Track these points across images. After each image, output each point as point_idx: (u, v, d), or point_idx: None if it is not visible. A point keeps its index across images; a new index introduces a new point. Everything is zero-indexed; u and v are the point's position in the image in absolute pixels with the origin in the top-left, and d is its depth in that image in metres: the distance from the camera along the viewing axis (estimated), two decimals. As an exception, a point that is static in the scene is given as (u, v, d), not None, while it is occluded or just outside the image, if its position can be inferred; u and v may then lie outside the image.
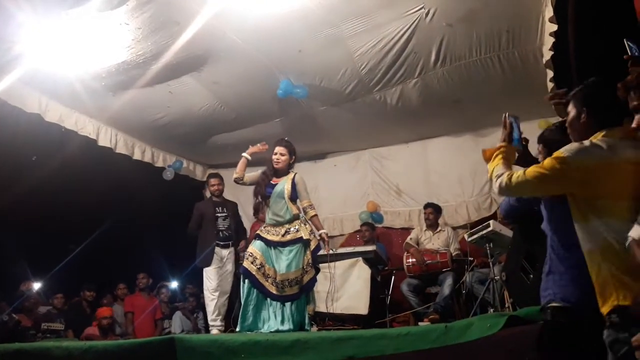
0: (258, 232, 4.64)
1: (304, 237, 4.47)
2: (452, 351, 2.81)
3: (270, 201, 4.57)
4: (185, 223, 6.02)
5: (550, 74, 4.53)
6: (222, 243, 5.84)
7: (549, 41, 4.28)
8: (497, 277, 4.63)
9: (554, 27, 4.12)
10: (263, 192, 4.59)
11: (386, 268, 6.39)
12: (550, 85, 4.62)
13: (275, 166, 4.62)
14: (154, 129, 6.59)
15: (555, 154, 1.97)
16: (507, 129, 2.31)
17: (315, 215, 4.60)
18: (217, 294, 5.69)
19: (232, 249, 5.92)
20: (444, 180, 7.04)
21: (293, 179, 4.60)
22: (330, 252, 5.57)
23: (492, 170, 2.15)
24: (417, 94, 5.74)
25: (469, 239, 5.07)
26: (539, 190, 2.05)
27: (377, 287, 5.87)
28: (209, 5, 4.24)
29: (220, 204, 6.04)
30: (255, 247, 4.51)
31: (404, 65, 5.23)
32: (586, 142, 1.96)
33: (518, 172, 2.03)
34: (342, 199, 7.62)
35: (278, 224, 4.54)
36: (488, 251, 4.82)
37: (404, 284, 5.77)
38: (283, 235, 4.49)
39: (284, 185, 4.56)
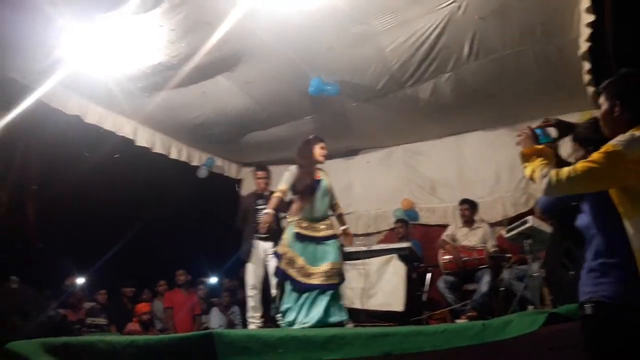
0: (296, 230, 4.53)
1: (336, 234, 4.62)
2: (490, 349, 2.79)
3: (316, 196, 4.56)
4: (220, 219, 6.06)
5: (587, 65, 4.42)
6: (263, 236, 5.64)
7: (585, 32, 4.17)
8: (536, 274, 4.55)
9: (591, 18, 4.00)
10: (313, 185, 4.56)
11: (421, 265, 6.34)
12: (586, 77, 4.51)
13: (322, 161, 4.65)
14: (189, 128, 6.71)
15: (606, 147, 1.90)
16: (531, 138, 2.25)
17: (342, 212, 4.91)
18: (256, 291, 5.68)
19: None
20: (479, 176, 6.93)
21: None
22: (364, 248, 5.61)
23: (534, 170, 2.09)
24: (449, 89, 5.67)
25: (507, 235, 5.00)
26: (592, 186, 1.97)
27: (413, 284, 5.83)
28: (239, 5, 4.28)
29: (260, 196, 5.91)
30: (290, 247, 4.51)
31: (436, 59, 5.17)
32: (636, 134, 1.90)
33: (567, 169, 1.95)
34: (376, 196, 7.60)
35: (316, 220, 4.57)
36: (527, 247, 4.74)
37: (440, 280, 5.73)
38: (321, 231, 4.55)
39: (325, 181, 4.62)
